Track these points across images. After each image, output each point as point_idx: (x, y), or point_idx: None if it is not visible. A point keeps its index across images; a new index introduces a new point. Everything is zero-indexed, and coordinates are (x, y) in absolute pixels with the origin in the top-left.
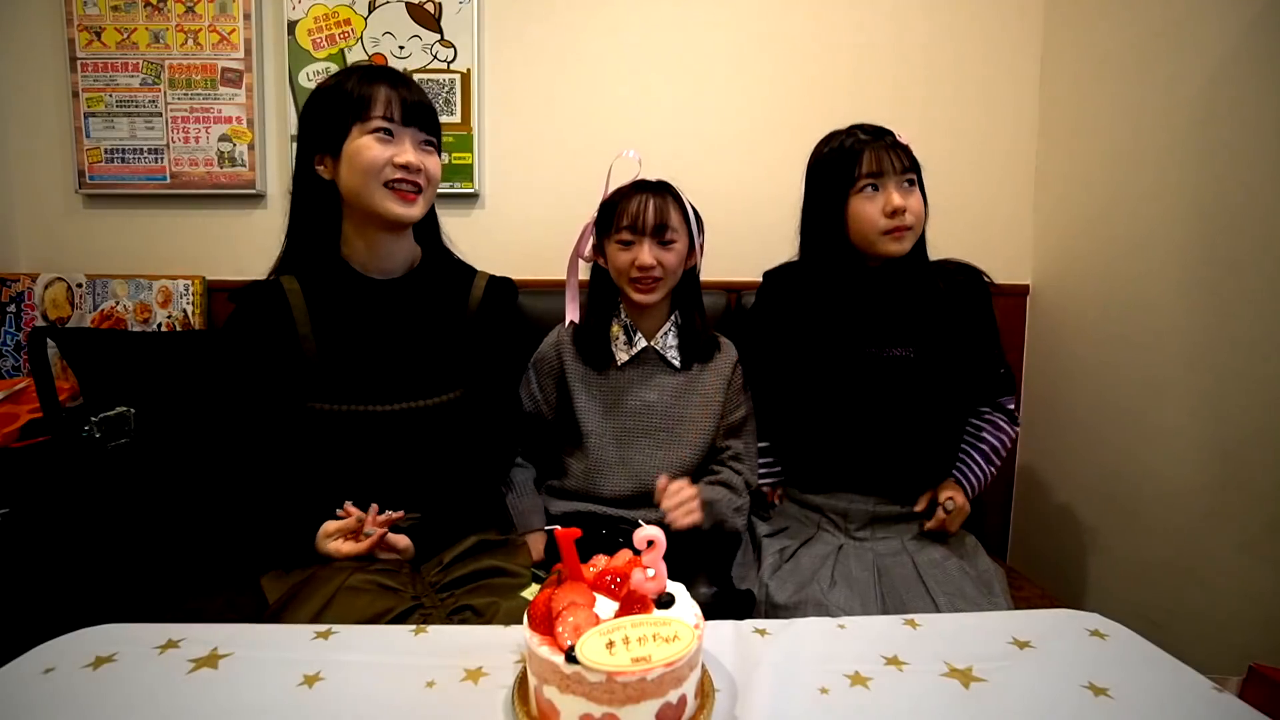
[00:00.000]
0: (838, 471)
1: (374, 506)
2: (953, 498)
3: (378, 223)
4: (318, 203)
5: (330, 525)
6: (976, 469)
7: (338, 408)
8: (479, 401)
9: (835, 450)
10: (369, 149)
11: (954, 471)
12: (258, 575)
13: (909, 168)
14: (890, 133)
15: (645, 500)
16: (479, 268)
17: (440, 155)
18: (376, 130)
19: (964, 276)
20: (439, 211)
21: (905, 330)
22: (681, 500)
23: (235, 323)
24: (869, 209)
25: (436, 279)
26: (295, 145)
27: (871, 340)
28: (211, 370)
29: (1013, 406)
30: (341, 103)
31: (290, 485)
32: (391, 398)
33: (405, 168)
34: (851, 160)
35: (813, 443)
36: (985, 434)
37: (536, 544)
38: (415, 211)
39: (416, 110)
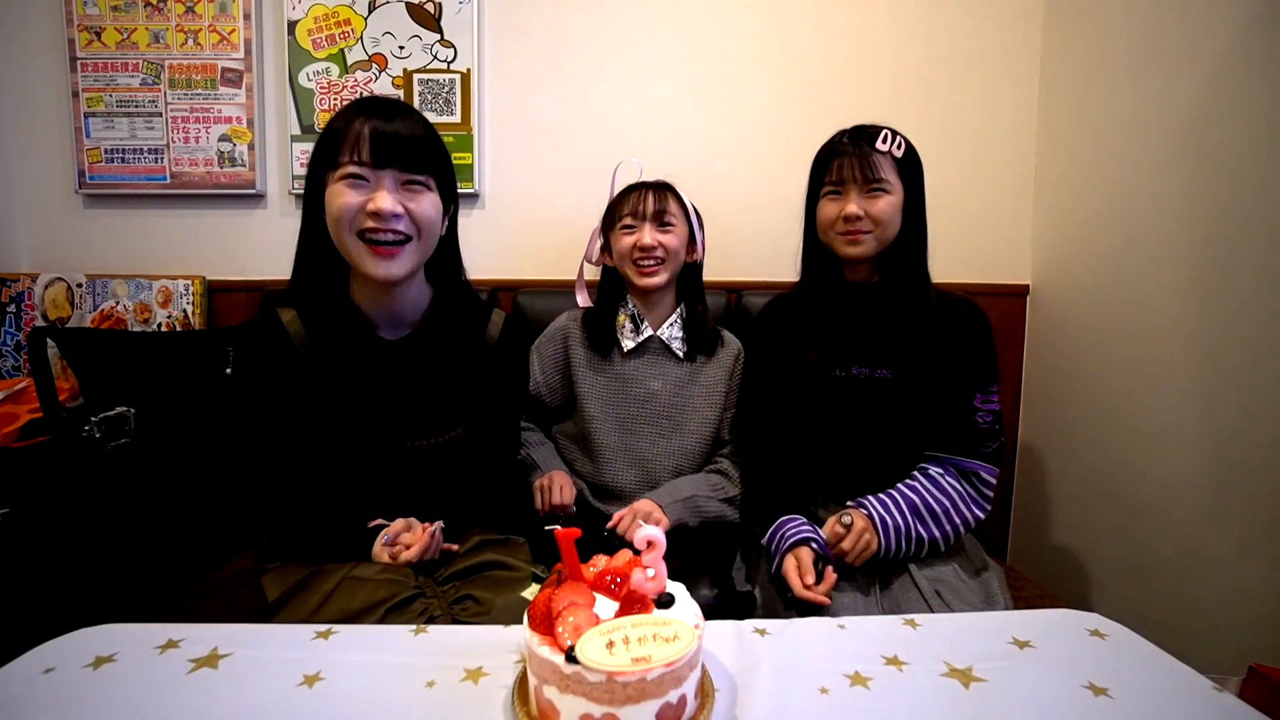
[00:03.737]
0: (824, 487)
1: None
2: (850, 515)
3: (366, 279)
4: (322, 250)
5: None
6: (893, 511)
7: (342, 445)
8: (482, 435)
9: (818, 466)
10: (339, 196)
11: (864, 500)
12: (260, 572)
13: (875, 178)
14: (875, 138)
15: (650, 491)
16: (479, 267)
17: (446, 197)
18: (347, 176)
19: (967, 309)
20: None
21: (887, 351)
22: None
23: (240, 366)
24: (830, 209)
25: (448, 326)
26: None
27: (845, 358)
28: (233, 404)
29: (982, 481)
30: (322, 147)
31: (311, 489)
32: (393, 438)
33: (377, 215)
34: (823, 165)
35: (798, 459)
36: (918, 486)
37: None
38: (395, 269)
39: (393, 147)
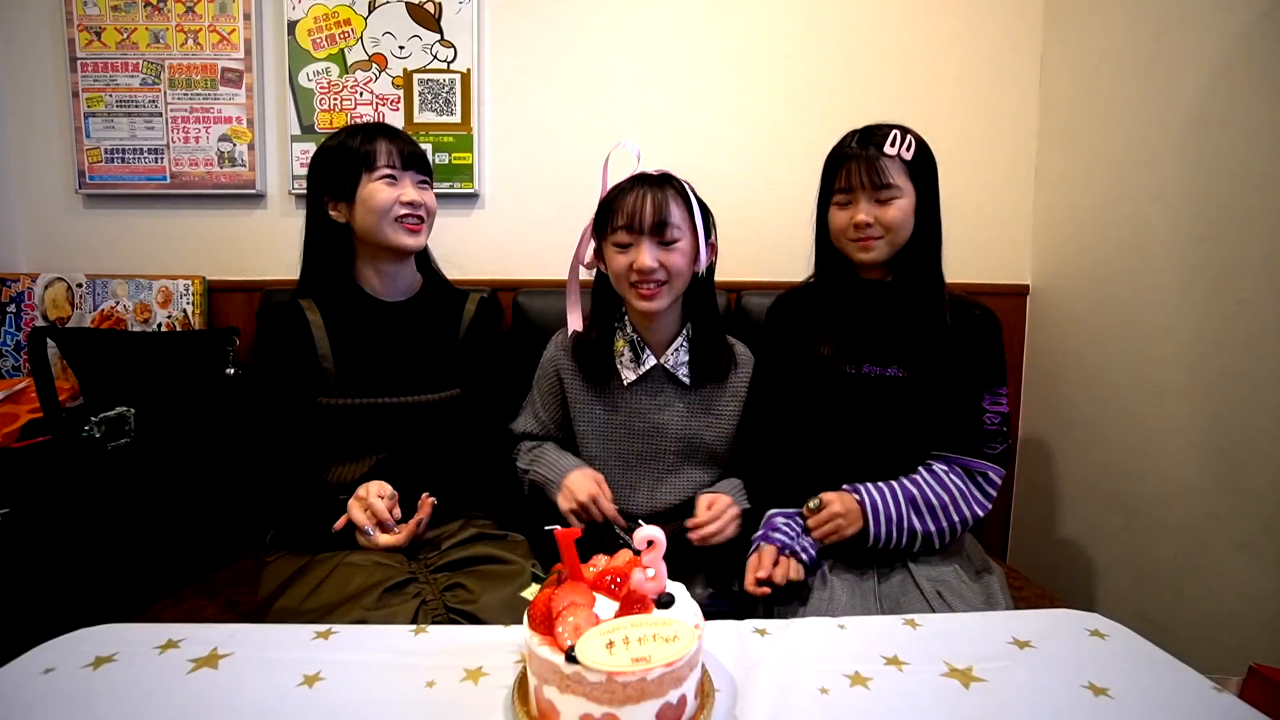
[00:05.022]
0: (830, 485)
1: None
2: (824, 500)
3: (387, 255)
4: (333, 241)
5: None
6: (888, 500)
7: (351, 401)
8: (471, 399)
9: (826, 465)
10: (380, 192)
11: (860, 485)
12: (261, 565)
13: (884, 184)
14: (885, 140)
15: (657, 520)
16: (479, 267)
17: (432, 190)
18: (383, 177)
19: (980, 312)
20: (440, 211)
21: (899, 351)
22: (723, 519)
23: (262, 341)
24: (841, 217)
25: (435, 302)
26: (307, 194)
27: (856, 355)
28: (248, 383)
29: (987, 480)
30: (350, 157)
31: (313, 473)
32: (397, 392)
33: (410, 204)
34: (832, 170)
35: (805, 456)
36: (919, 480)
37: (577, 481)
38: (421, 240)
39: (412, 157)
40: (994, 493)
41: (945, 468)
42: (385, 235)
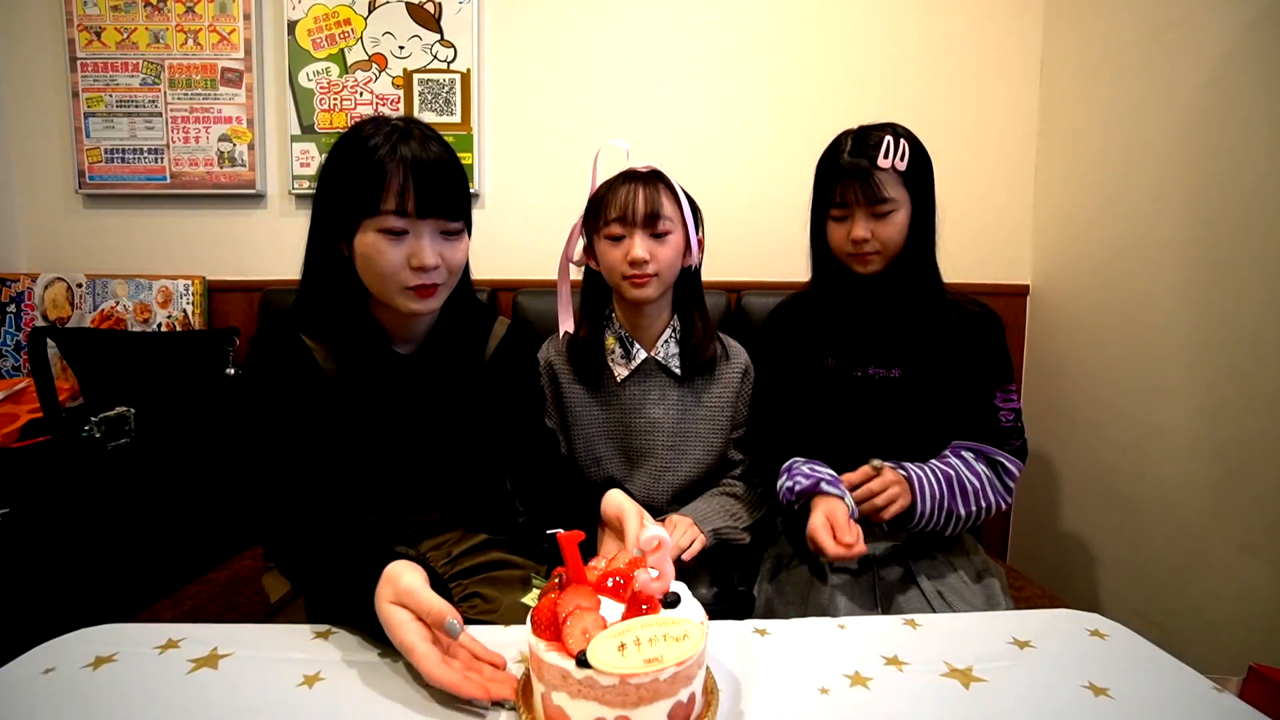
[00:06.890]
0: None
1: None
2: (881, 462)
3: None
4: (340, 275)
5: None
6: (931, 480)
7: (356, 454)
8: (491, 447)
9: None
10: (381, 253)
11: (901, 463)
12: (263, 570)
13: (879, 198)
14: (878, 151)
15: (653, 515)
16: (478, 268)
17: (469, 234)
18: (387, 230)
19: (979, 309)
20: None
21: (897, 351)
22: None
23: (256, 375)
24: (838, 232)
25: (455, 336)
26: (312, 208)
27: (862, 359)
28: (241, 417)
29: (1007, 472)
30: (353, 183)
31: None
32: (406, 448)
33: (421, 269)
34: (826, 183)
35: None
36: (953, 462)
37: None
38: (434, 304)
39: (436, 197)
40: (1013, 485)
41: (971, 455)
42: (388, 298)
